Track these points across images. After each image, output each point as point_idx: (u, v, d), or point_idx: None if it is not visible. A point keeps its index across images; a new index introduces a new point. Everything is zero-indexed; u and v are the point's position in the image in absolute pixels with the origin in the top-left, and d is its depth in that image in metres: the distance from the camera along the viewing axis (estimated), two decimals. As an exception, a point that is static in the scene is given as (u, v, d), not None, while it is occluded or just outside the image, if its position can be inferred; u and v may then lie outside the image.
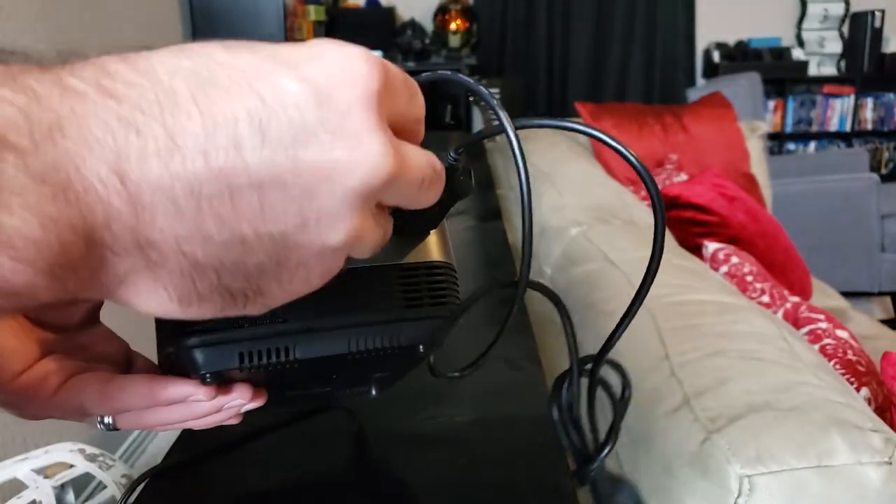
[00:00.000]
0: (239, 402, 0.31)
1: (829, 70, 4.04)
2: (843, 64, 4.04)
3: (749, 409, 0.57)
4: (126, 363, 0.35)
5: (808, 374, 0.62)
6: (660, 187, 1.71)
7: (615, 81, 3.97)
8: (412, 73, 0.22)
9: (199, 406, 0.31)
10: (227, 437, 0.54)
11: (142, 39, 2.23)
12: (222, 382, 0.30)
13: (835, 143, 4.08)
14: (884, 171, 4.02)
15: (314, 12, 3.16)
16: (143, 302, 0.20)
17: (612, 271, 0.98)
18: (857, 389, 0.89)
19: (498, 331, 0.32)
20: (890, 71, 3.88)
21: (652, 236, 0.28)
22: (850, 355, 0.97)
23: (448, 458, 0.52)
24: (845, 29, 4.01)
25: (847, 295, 2.15)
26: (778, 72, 3.86)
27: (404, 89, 0.22)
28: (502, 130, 0.25)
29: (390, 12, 3.81)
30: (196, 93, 0.18)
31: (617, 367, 0.38)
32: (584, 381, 0.38)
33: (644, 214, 1.47)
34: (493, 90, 3.70)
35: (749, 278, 1.38)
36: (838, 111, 3.99)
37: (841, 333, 1.06)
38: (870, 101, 3.99)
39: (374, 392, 0.38)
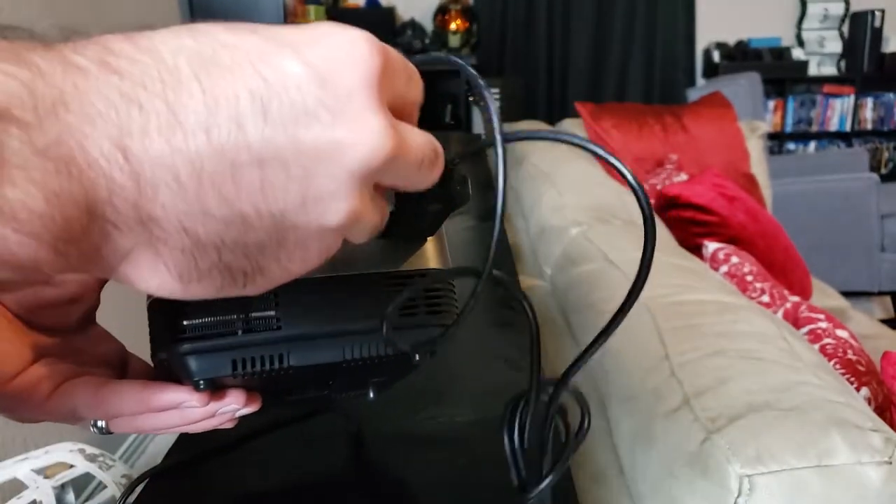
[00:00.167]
0: (233, 407, 0.31)
1: (829, 70, 4.04)
2: (843, 64, 4.04)
3: (749, 409, 0.57)
4: (122, 365, 0.35)
5: (808, 374, 0.62)
6: (660, 187, 1.71)
7: (615, 81, 3.97)
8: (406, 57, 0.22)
9: (192, 412, 0.31)
10: (226, 437, 0.54)
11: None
12: (216, 388, 0.30)
13: (835, 143, 4.08)
14: (884, 170, 4.02)
15: (314, 12, 3.16)
16: (145, 278, 0.20)
17: (612, 271, 0.98)
18: (857, 389, 0.89)
19: (463, 305, 0.31)
20: (890, 71, 3.88)
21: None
22: (850, 355, 0.97)
23: (448, 458, 0.52)
24: (845, 29, 4.01)
25: (847, 295, 2.15)
26: (778, 72, 3.86)
27: (403, 72, 0.22)
28: (491, 144, 0.25)
29: (390, 12, 3.81)
30: (199, 71, 0.18)
31: (578, 396, 0.35)
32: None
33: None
34: (493, 90, 3.70)
35: (749, 278, 1.38)
36: (838, 111, 3.99)
37: (841, 333, 1.06)
38: (870, 101, 3.99)
39: (371, 395, 0.38)
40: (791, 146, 4.09)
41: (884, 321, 2.06)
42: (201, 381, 0.28)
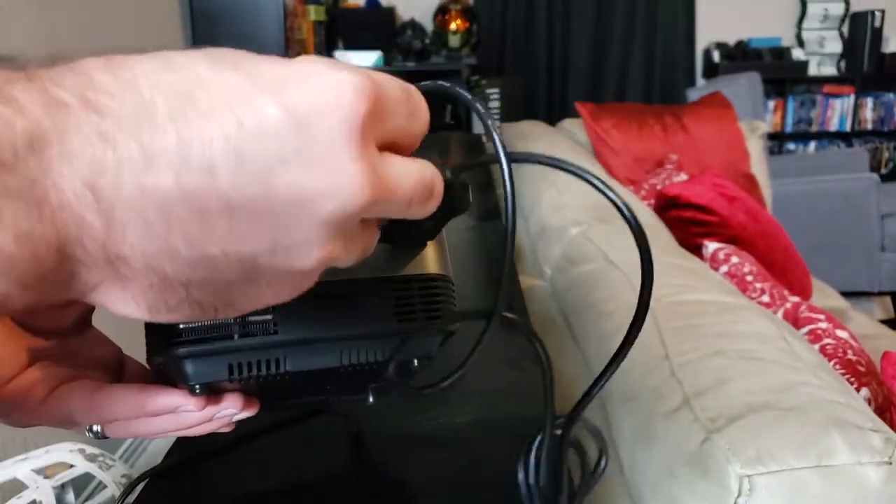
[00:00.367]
0: (230, 411, 0.31)
1: (829, 70, 4.04)
2: (843, 64, 4.04)
3: (749, 409, 0.57)
4: (118, 369, 0.34)
5: (808, 374, 0.62)
6: (660, 187, 1.71)
7: (615, 81, 3.97)
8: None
9: (188, 416, 0.31)
10: (226, 437, 0.54)
11: (141, 39, 2.23)
12: (213, 392, 0.30)
13: (835, 143, 4.08)
14: (884, 170, 4.02)
15: (314, 12, 3.16)
16: (115, 307, 0.20)
17: (612, 271, 0.98)
18: (857, 389, 0.89)
19: (468, 354, 0.31)
20: (890, 71, 3.88)
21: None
22: (850, 355, 0.97)
23: (448, 458, 0.52)
24: (845, 29, 4.01)
25: (847, 295, 2.15)
26: (778, 72, 3.86)
27: (402, 107, 0.21)
28: (496, 161, 0.25)
29: (390, 12, 3.81)
30: (174, 111, 0.18)
31: (596, 434, 0.35)
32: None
33: (644, 215, 1.47)
34: (492, 90, 3.67)
35: (749, 278, 1.38)
36: (838, 111, 3.99)
37: (841, 333, 1.06)
38: (870, 101, 3.99)
39: (370, 399, 0.38)
40: (791, 146, 4.09)
41: (884, 321, 2.06)
42: (197, 386, 0.28)
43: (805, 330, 1.11)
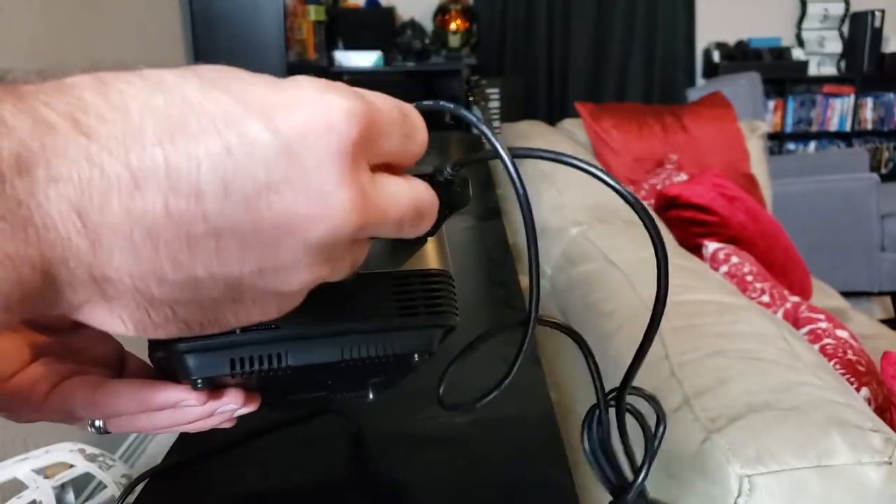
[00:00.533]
0: (231, 406, 0.31)
1: (829, 70, 4.04)
2: (843, 64, 4.04)
3: (749, 409, 0.57)
4: (119, 365, 0.34)
5: (808, 374, 0.62)
6: (660, 187, 1.71)
7: (615, 81, 3.97)
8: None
9: (190, 411, 0.31)
10: (227, 437, 0.54)
11: (141, 39, 2.22)
12: (214, 387, 0.30)
13: (835, 143, 4.08)
14: (884, 170, 4.02)
15: (314, 12, 3.16)
16: (101, 324, 0.20)
17: (612, 271, 0.98)
18: (857, 389, 0.89)
19: (509, 367, 0.31)
20: (890, 71, 3.88)
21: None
22: (850, 355, 0.97)
23: (448, 458, 0.52)
24: (845, 29, 4.01)
25: (847, 295, 2.15)
26: (778, 72, 3.86)
27: (397, 129, 0.21)
28: (496, 156, 0.25)
29: (390, 12, 3.81)
30: (163, 136, 0.18)
31: (651, 399, 0.37)
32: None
33: (644, 214, 1.46)
34: (492, 90, 3.67)
35: (749, 278, 1.38)
36: (838, 111, 3.99)
37: (841, 333, 1.06)
38: (870, 101, 3.99)
39: (371, 396, 0.38)
40: (791, 146, 4.09)
41: (884, 321, 2.06)
42: (199, 380, 0.28)
43: (805, 330, 1.11)
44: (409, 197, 0.22)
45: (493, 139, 0.24)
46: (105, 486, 1.01)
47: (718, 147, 2.36)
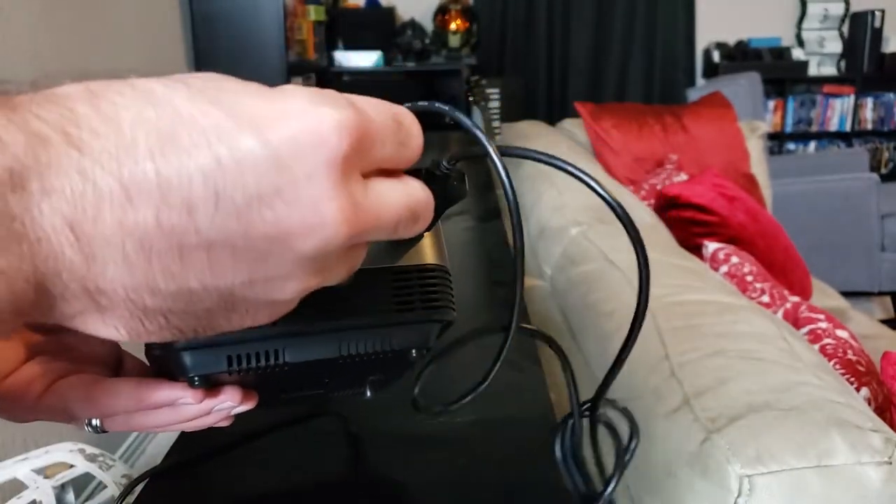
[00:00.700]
0: (228, 404, 0.31)
1: (829, 70, 4.04)
2: (843, 64, 4.04)
3: (749, 409, 0.57)
4: (116, 363, 0.34)
5: (808, 374, 0.62)
6: (660, 187, 1.71)
7: (615, 81, 3.97)
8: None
9: (187, 409, 0.31)
10: (227, 437, 0.54)
11: (142, 39, 2.22)
12: (211, 385, 0.30)
13: (835, 143, 4.08)
14: (884, 170, 4.02)
15: (314, 12, 3.16)
16: (94, 333, 0.20)
17: (612, 271, 0.98)
18: (857, 389, 0.89)
19: (486, 372, 0.31)
20: (890, 71, 3.88)
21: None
22: (850, 355, 0.97)
23: (448, 458, 0.52)
24: (845, 29, 4.01)
25: (847, 295, 2.15)
26: (778, 72, 3.86)
27: (391, 136, 0.22)
28: (485, 154, 0.25)
29: (390, 12, 3.81)
30: (155, 148, 0.18)
31: (625, 412, 0.37)
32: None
33: (644, 215, 1.47)
34: (492, 90, 3.66)
35: (749, 278, 1.38)
36: (838, 111, 3.99)
37: (841, 333, 1.06)
38: (870, 101, 3.99)
39: (368, 394, 0.38)
40: (791, 146, 4.09)
41: (884, 321, 2.06)
42: (196, 378, 0.28)
43: (805, 330, 1.11)
44: (403, 200, 0.22)
45: (481, 138, 0.24)
46: (105, 486, 1.01)
47: (718, 147, 2.36)
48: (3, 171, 0.17)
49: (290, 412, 0.58)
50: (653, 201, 1.87)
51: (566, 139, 2.16)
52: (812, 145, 4.09)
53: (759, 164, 2.44)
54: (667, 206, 1.70)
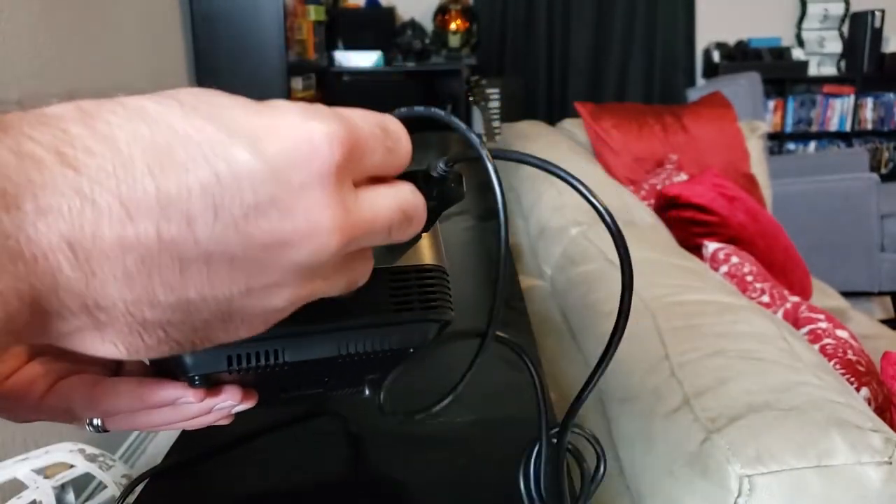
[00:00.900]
0: (229, 403, 0.31)
1: (829, 70, 4.04)
2: (843, 64, 4.04)
3: (749, 409, 0.57)
4: (116, 363, 0.35)
5: (808, 374, 0.62)
6: (660, 187, 1.71)
7: (615, 81, 3.97)
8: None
9: (188, 408, 0.31)
10: (227, 437, 0.54)
11: (142, 39, 2.22)
12: (211, 384, 0.30)
13: (835, 143, 4.08)
14: (884, 171, 4.02)
15: (314, 12, 3.16)
16: (92, 350, 0.20)
17: (612, 271, 0.98)
18: (857, 389, 0.89)
19: (458, 379, 0.31)
20: (890, 71, 3.88)
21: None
22: (850, 355, 0.97)
23: (448, 458, 0.53)
24: (845, 29, 4.01)
25: (847, 295, 2.15)
26: (778, 72, 3.86)
27: (380, 144, 0.22)
28: (477, 157, 0.25)
29: (390, 12, 3.81)
30: (152, 165, 0.18)
31: (594, 441, 0.36)
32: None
33: (644, 215, 1.47)
34: (492, 90, 3.66)
35: (749, 278, 1.38)
36: (838, 111, 3.99)
37: (841, 333, 1.06)
38: (870, 101, 3.99)
39: (367, 392, 0.38)
40: (791, 146, 4.09)
41: (884, 321, 2.06)
42: (196, 377, 0.28)
43: (805, 330, 1.11)
44: (395, 204, 0.23)
45: (475, 142, 0.25)
46: (105, 487, 1.01)
47: (718, 147, 2.36)
48: None
49: (290, 412, 0.58)
50: (653, 201, 1.87)
51: (566, 139, 2.16)
52: (812, 145, 4.09)
53: (759, 164, 2.44)
54: (667, 206, 1.70)
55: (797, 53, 3.97)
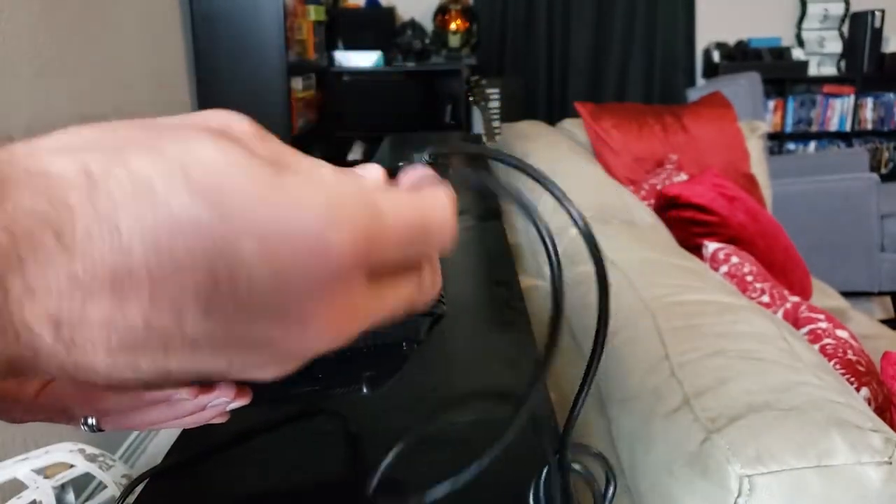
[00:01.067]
0: (223, 400, 0.31)
1: (829, 70, 4.04)
2: (843, 64, 4.04)
3: (749, 409, 0.57)
4: None
5: (808, 374, 0.62)
6: (660, 187, 1.70)
7: (615, 81, 3.97)
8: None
9: (182, 405, 0.31)
10: (227, 436, 0.54)
11: (142, 39, 2.22)
12: (205, 381, 0.30)
13: (835, 143, 4.08)
14: (884, 170, 4.02)
15: (314, 12, 3.16)
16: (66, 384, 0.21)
17: (612, 271, 0.98)
18: (857, 389, 0.89)
19: (507, 426, 0.31)
20: (890, 71, 3.88)
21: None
22: (850, 355, 0.97)
23: (448, 458, 0.52)
24: (845, 29, 4.01)
25: (847, 295, 2.15)
26: (778, 72, 3.86)
27: (395, 248, 0.22)
28: (474, 153, 0.25)
29: (390, 12, 3.81)
30: (150, 256, 0.18)
31: (601, 459, 0.35)
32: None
33: (644, 214, 1.47)
34: (492, 90, 3.65)
35: (749, 278, 1.38)
36: (838, 111, 3.99)
37: (841, 333, 1.06)
38: (870, 101, 3.99)
39: (365, 390, 0.38)
40: (791, 146, 4.09)
41: (884, 321, 2.06)
42: None
43: (805, 330, 1.11)
44: (407, 292, 0.23)
45: (528, 207, 0.25)
46: (105, 487, 1.01)
47: (718, 147, 2.36)
48: None
49: (290, 412, 0.58)
50: (653, 201, 1.87)
51: (566, 139, 2.16)
52: (812, 145, 4.09)
53: (759, 164, 2.44)
54: (667, 206, 1.70)
55: (797, 53, 3.97)
